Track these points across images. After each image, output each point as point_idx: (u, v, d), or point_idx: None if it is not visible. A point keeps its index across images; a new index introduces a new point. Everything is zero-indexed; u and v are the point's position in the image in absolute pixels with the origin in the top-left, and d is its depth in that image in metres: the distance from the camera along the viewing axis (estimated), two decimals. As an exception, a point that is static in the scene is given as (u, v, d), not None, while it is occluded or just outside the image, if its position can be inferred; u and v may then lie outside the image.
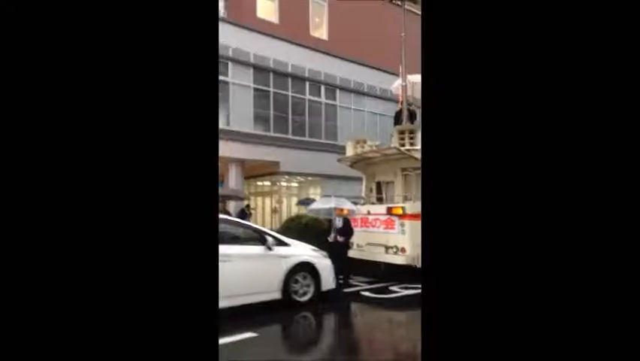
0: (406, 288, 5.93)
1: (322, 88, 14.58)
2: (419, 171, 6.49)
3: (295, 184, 15.18)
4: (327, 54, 14.65)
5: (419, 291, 5.04)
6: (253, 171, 14.25)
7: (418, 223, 5.79)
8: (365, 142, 8.13)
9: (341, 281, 5.84)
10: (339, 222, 6.29)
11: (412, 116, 8.43)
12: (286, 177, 14.24)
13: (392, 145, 7.16)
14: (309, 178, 14.60)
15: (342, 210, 6.44)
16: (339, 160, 8.69)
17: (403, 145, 6.95)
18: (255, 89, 13.46)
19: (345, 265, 6.14)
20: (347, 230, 6.30)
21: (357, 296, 5.62)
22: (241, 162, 13.22)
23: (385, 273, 6.69)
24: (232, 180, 13.26)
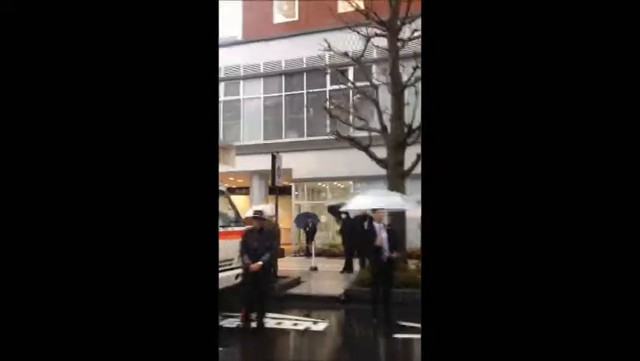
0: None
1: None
2: None
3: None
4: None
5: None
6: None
7: None
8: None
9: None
10: (382, 232, 5.09)
11: None
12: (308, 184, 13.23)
13: None
14: (338, 184, 13.37)
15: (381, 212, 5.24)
16: None
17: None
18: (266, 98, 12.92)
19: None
20: (394, 242, 5.13)
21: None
22: (264, 175, 12.78)
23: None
24: (255, 194, 13.52)
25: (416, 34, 7.12)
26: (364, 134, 7.76)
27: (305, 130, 13.21)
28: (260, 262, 4.50)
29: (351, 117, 7.69)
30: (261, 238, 4.65)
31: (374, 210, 5.34)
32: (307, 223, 11.21)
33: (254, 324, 4.56)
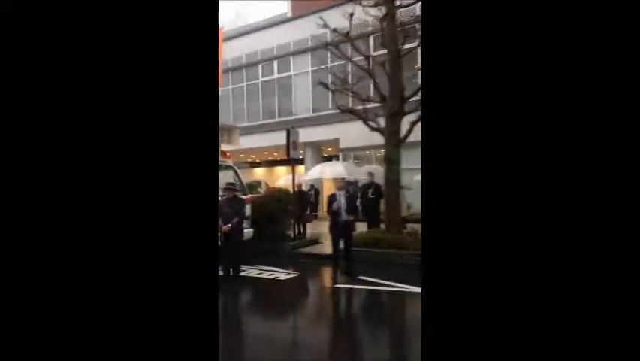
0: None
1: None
2: None
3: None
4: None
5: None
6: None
7: None
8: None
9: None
10: (341, 198, 5.71)
11: None
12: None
13: None
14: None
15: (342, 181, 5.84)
16: None
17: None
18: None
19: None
20: (353, 207, 5.72)
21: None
22: (315, 146, 14.24)
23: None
24: (308, 163, 14.65)
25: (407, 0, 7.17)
26: (372, 105, 8.12)
27: (350, 101, 13.65)
28: (229, 225, 5.54)
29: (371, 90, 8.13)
30: (233, 205, 5.67)
31: (335, 180, 5.95)
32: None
33: (232, 273, 5.67)
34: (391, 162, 7.44)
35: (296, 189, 8.81)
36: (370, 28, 8.27)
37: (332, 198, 5.79)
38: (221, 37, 8.80)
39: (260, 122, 15.62)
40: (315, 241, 8.77)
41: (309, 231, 9.28)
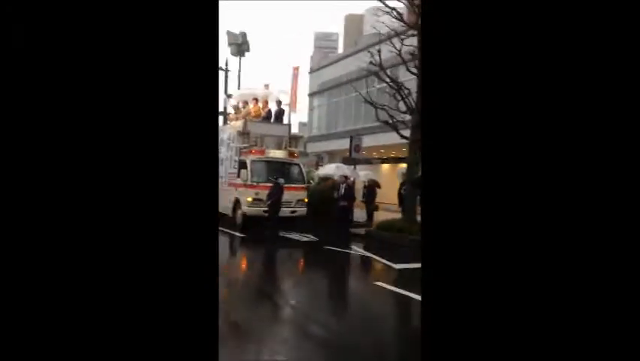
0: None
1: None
2: None
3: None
4: None
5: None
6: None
7: None
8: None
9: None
10: (341, 189, 8.14)
11: None
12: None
13: None
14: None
15: (345, 177, 8.22)
16: None
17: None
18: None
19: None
20: (349, 196, 8.07)
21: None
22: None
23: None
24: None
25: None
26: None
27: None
28: (270, 201, 8.65)
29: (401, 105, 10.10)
30: (276, 189, 8.78)
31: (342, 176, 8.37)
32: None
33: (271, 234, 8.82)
34: (411, 165, 9.21)
35: (365, 183, 11.24)
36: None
37: (335, 189, 8.25)
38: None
39: (369, 125, 18.21)
40: (365, 225, 11.03)
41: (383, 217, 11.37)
